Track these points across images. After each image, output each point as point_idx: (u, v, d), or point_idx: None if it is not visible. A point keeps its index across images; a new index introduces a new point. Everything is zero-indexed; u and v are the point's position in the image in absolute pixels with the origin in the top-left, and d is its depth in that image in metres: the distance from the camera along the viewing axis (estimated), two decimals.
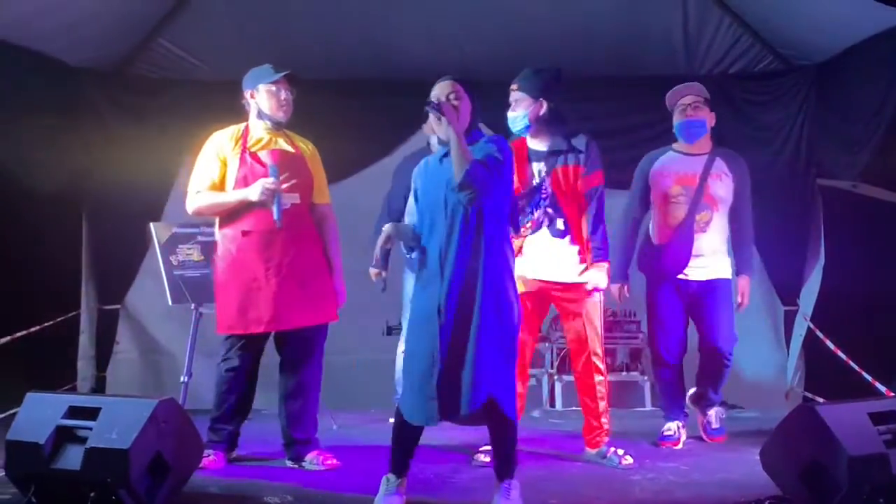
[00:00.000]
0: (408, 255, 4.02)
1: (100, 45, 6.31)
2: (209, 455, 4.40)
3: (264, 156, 4.44)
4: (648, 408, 6.33)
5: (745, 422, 5.74)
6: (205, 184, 4.46)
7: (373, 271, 5.39)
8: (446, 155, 3.89)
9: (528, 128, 4.72)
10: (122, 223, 6.48)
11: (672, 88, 5.19)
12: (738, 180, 5.05)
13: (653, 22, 6.46)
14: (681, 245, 4.98)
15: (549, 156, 4.72)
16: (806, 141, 6.62)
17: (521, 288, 4.21)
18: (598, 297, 4.73)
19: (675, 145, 5.15)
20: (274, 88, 4.46)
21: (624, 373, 6.37)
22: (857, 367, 5.82)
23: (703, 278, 5.00)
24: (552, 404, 6.43)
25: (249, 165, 4.42)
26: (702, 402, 5.20)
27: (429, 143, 5.32)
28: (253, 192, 4.33)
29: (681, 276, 5.00)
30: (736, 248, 5.14)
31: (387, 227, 3.92)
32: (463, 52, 6.66)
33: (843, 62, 6.19)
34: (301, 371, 4.53)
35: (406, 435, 3.90)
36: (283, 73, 4.47)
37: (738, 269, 5.11)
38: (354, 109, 6.75)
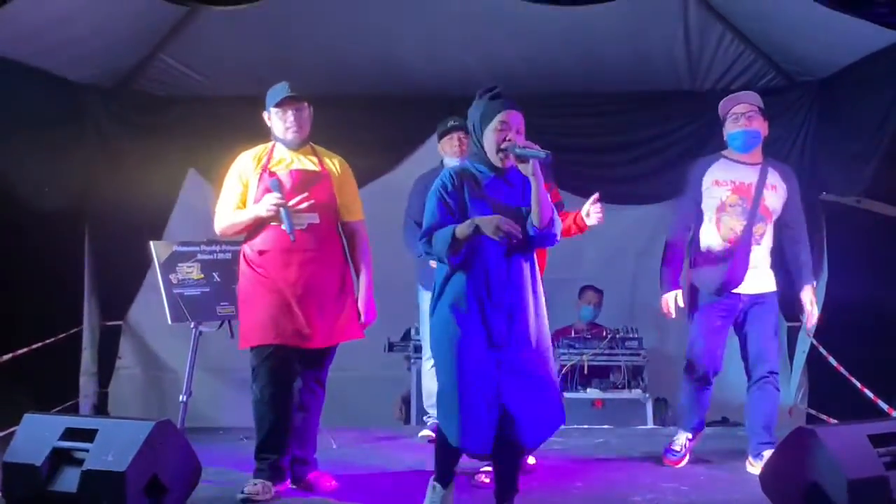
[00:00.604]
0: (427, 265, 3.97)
1: (102, 62, 6.33)
2: (255, 485, 4.28)
3: (284, 175, 4.42)
4: (650, 426, 6.30)
5: (748, 439, 5.69)
6: (229, 205, 4.46)
7: None
8: (498, 177, 3.86)
9: None
10: (125, 239, 6.48)
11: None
12: (791, 190, 4.96)
13: (655, 37, 6.45)
14: (740, 259, 4.85)
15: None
16: (809, 156, 6.60)
17: None
18: None
19: (726, 153, 5.02)
20: (280, 111, 4.43)
21: (626, 391, 6.33)
22: (859, 385, 5.78)
23: (753, 292, 4.90)
24: None
25: (275, 183, 4.40)
26: (756, 448, 4.88)
27: (442, 163, 5.31)
28: (260, 208, 4.34)
29: (735, 290, 4.89)
30: (794, 258, 5.01)
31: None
32: (467, 69, 6.66)
33: (845, 78, 6.18)
34: (306, 388, 4.49)
35: (451, 456, 3.88)
36: (283, 97, 4.42)
37: (803, 281, 4.97)
38: (358, 125, 6.76)
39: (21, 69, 5.74)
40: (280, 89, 4.45)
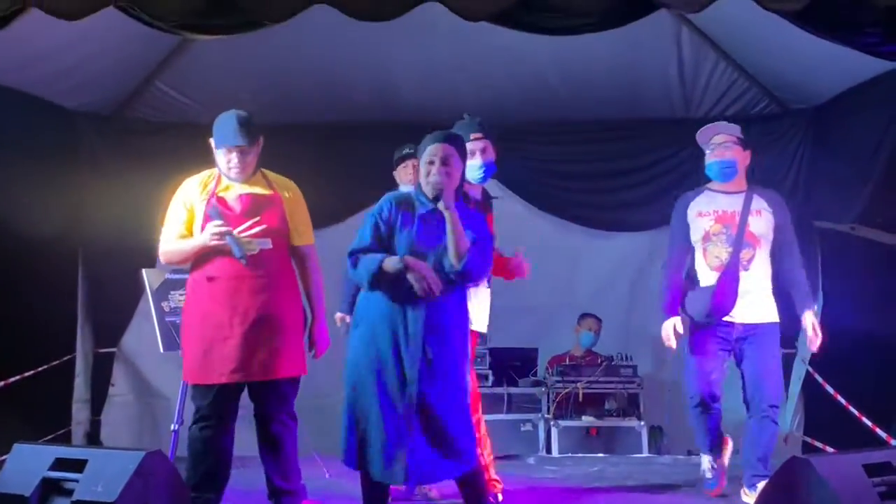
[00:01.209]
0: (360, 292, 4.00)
1: (97, 89, 6.33)
2: None
3: (233, 199, 4.33)
4: (645, 454, 6.26)
5: (743, 469, 5.66)
6: (173, 232, 4.37)
7: (340, 316, 5.28)
8: (433, 212, 3.91)
9: (488, 178, 4.67)
10: (119, 266, 6.44)
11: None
12: (779, 215, 4.98)
13: (648, 65, 6.47)
14: (727, 285, 4.86)
15: (486, 203, 4.71)
16: (803, 183, 6.60)
17: None
18: None
19: (709, 185, 5.08)
20: (223, 152, 4.34)
21: (621, 418, 6.30)
22: (856, 413, 5.76)
23: (750, 321, 4.90)
24: (548, 450, 6.37)
25: (215, 210, 4.29)
26: (751, 478, 4.91)
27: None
28: (204, 237, 4.23)
29: (727, 319, 4.90)
30: (791, 284, 5.01)
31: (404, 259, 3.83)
32: (460, 96, 6.66)
33: (839, 105, 6.19)
34: (273, 424, 4.38)
35: (377, 494, 3.92)
36: (226, 145, 4.31)
37: (802, 306, 4.97)
38: (351, 153, 6.78)
39: (15, 96, 5.73)
40: (226, 126, 4.32)
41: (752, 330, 4.90)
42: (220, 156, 4.34)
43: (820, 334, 4.97)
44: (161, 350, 5.50)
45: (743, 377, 4.97)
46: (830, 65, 5.65)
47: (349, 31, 5.73)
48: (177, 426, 5.32)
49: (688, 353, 5.01)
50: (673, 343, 4.97)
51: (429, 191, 3.94)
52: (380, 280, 3.82)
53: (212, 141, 4.38)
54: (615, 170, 7.02)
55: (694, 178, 6.02)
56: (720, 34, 6.22)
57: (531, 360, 6.77)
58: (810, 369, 6.32)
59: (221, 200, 4.33)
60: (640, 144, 6.95)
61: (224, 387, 4.25)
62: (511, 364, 6.59)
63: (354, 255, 3.91)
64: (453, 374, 3.87)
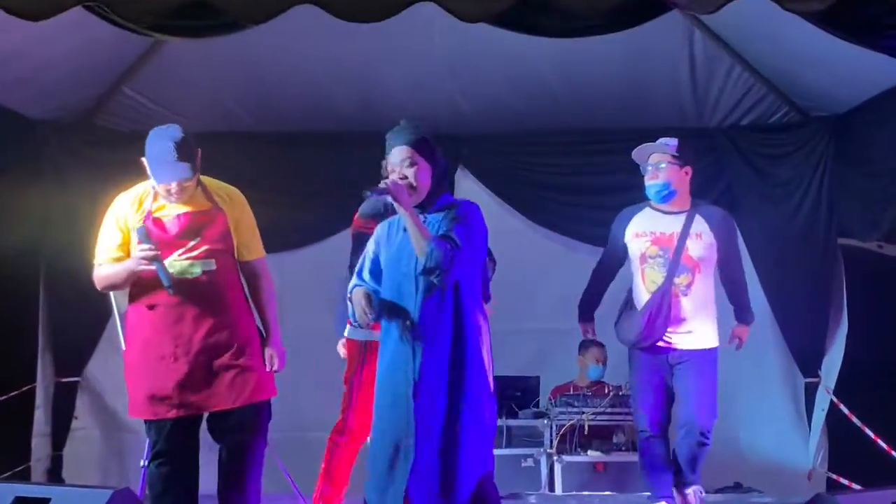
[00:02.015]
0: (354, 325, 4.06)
1: (61, 96, 6.32)
2: None
3: (170, 219, 4.25)
4: None
5: None
6: (105, 256, 4.29)
7: (342, 348, 5.29)
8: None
9: None
10: (84, 288, 6.31)
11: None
12: (721, 237, 5.07)
13: (656, 70, 6.50)
14: (659, 310, 4.98)
15: None
16: (826, 198, 6.61)
17: None
18: None
19: (651, 202, 5.17)
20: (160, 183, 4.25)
21: (630, 453, 6.28)
22: (885, 446, 5.75)
23: (685, 347, 5.01)
24: (551, 488, 6.33)
25: (143, 232, 4.20)
26: (677, 479, 5.10)
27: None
28: (132, 264, 4.17)
29: (661, 344, 5.01)
30: (733, 301, 5.24)
31: (361, 293, 3.89)
32: (456, 105, 6.69)
33: (864, 113, 6.21)
34: (236, 459, 4.31)
35: None
36: (167, 180, 4.20)
37: (739, 320, 5.24)
38: (336, 164, 6.76)
39: None
40: (161, 156, 4.20)
41: (687, 356, 5.02)
42: (157, 183, 4.24)
43: (744, 340, 5.25)
44: None
45: (677, 400, 5.09)
46: (855, 70, 5.66)
47: (334, 34, 5.75)
48: (146, 462, 5.26)
49: (632, 381, 5.22)
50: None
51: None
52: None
53: (144, 161, 4.27)
54: (623, 183, 6.92)
55: (707, 192, 6.06)
56: (735, 37, 6.24)
57: (532, 390, 6.73)
58: (835, 399, 6.32)
59: (157, 222, 4.24)
60: None
61: (178, 420, 4.19)
62: (510, 394, 6.55)
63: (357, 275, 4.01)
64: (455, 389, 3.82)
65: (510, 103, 6.69)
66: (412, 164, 3.90)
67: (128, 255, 4.24)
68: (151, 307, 4.22)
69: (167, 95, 6.62)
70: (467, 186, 6.91)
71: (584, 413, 6.31)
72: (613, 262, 5.29)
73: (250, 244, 4.45)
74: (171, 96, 6.62)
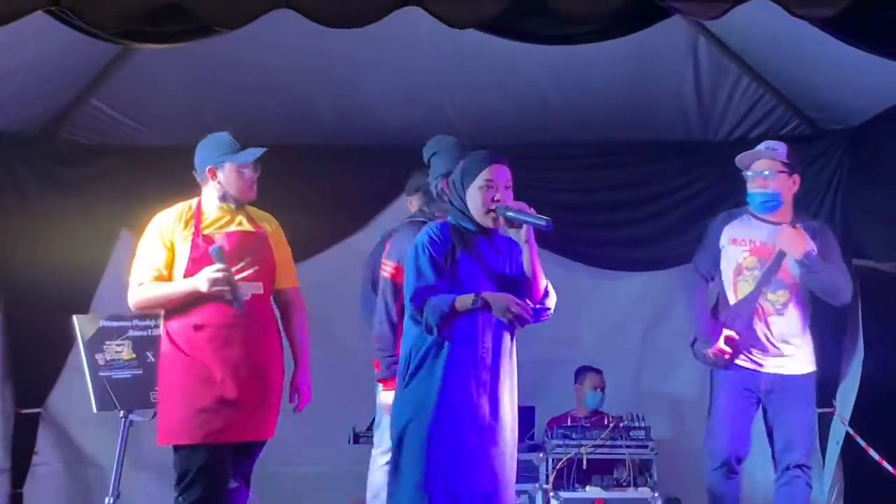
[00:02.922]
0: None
1: (23, 108, 6.30)
2: None
3: (220, 238, 4.41)
4: None
5: None
6: (149, 274, 4.39)
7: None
8: (481, 235, 3.99)
9: None
10: (45, 313, 6.39)
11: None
12: (822, 246, 5.06)
13: (660, 80, 6.52)
14: (740, 324, 4.96)
15: None
16: (839, 216, 6.63)
17: None
18: None
19: (750, 209, 5.17)
20: (241, 167, 4.46)
21: (631, 488, 6.28)
22: None
23: (777, 371, 4.97)
24: None
25: (203, 250, 4.36)
26: None
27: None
28: (200, 283, 4.27)
29: (750, 365, 4.94)
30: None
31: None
32: (449, 118, 6.71)
33: (880, 126, 6.22)
34: (241, 489, 4.44)
35: None
36: (258, 154, 4.47)
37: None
38: (318, 180, 6.78)
39: None
40: (227, 141, 4.49)
41: (782, 382, 4.94)
42: (236, 176, 4.45)
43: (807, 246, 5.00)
44: (94, 410, 5.47)
45: (771, 433, 5.02)
46: (870, 79, 5.70)
47: (315, 42, 5.78)
48: (112, 500, 5.29)
49: (713, 407, 5.07)
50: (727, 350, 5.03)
51: (492, 217, 3.99)
52: (450, 323, 3.87)
53: (207, 169, 4.47)
54: (623, 200, 7.04)
55: (715, 209, 6.06)
56: (742, 45, 6.25)
57: (528, 421, 6.72)
58: (851, 431, 6.32)
59: (208, 239, 4.37)
60: (651, 171, 6.99)
61: (217, 447, 4.27)
62: None
63: (419, 297, 3.91)
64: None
65: (503, 115, 6.71)
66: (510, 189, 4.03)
67: (171, 274, 4.37)
68: (198, 328, 4.31)
69: (136, 107, 6.64)
70: None
71: (582, 446, 6.31)
72: (709, 270, 5.20)
73: (288, 270, 4.65)
74: (141, 108, 6.64)
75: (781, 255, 4.95)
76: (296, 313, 4.63)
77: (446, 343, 3.89)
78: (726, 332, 5.02)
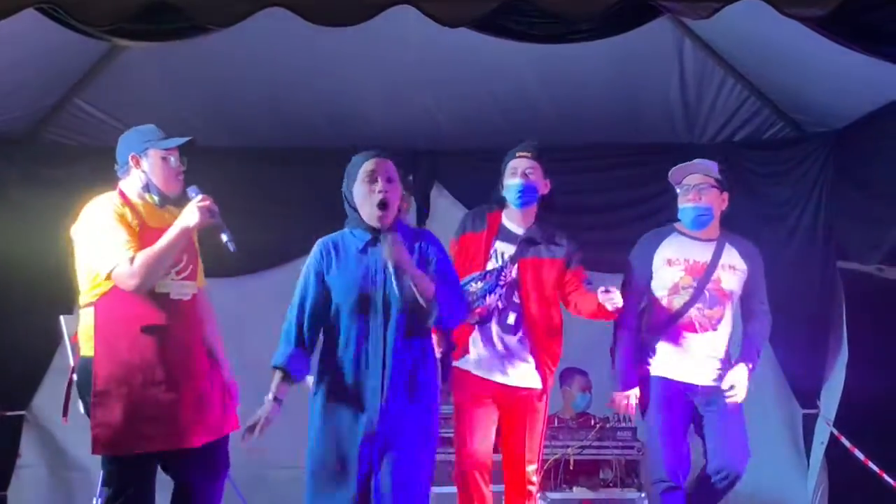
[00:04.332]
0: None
1: (7, 109, 6.28)
2: None
3: (163, 232, 4.21)
4: None
5: None
6: (127, 247, 4.10)
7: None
8: (372, 243, 4.04)
9: (532, 201, 4.93)
10: (29, 315, 6.39)
11: (678, 164, 5.20)
12: (753, 270, 5.10)
13: (645, 82, 6.54)
14: (664, 337, 5.04)
15: (524, 242, 4.80)
16: (823, 218, 6.66)
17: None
18: (542, 405, 4.96)
19: (678, 225, 5.17)
20: (169, 156, 4.31)
21: (618, 489, 6.28)
22: (891, 482, 5.78)
23: (712, 383, 5.00)
24: None
25: (148, 236, 4.18)
26: None
27: None
28: (189, 219, 4.09)
29: (685, 380, 4.98)
30: (748, 336, 5.15)
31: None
32: (434, 119, 6.71)
33: (864, 128, 6.25)
34: (205, 493, 4.34)
35: None
36: (182, 140, 4.32)
37: (741, 357, 5.07)
38: (306, 182, 6.76)
39: None
40: (153, 131, 4.37)
41: (713, 392, 5.00)
42: (161, 165, 4.31)
43: (742, 392, 5.01)
44: (81, 410, 5.42)
45: (704, 445, 5.07)
46: (854, 82, 5.73)
47: (304, 44, 5.79)
48: (100, 500, 5.23)
49: (649, 426, 5.12)
50: (633, 412, 5.17)
51: (369, 213, 4.04)
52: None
53: (130, 158, 4.36)
54: (608, 202, 7.05)
55: None
56: (728, 47, 6.28)
57: None
58: (835, 431, 6.34)
59: (158, 233, 4.18)
60: (637, 173, 6.98)
61: (149, 456, 4.15)
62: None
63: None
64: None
65: (490, 117, 6.71)
66: (393, 181, 4.09)
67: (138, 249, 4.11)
68: (148, 329, 4.13)
69: (122, 108, 6.57)
70: (443, 205, 6.94)
71: (569, 447, 6.31)
72: (643, 294, 5.17)
73: (201, 270, 4.50)
74: (127, 109, 6.56)
75: (711, 272, 4.98)
76: (209, 310, 4.49)
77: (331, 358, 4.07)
78: (634, 394, 5.10)
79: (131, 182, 4.36)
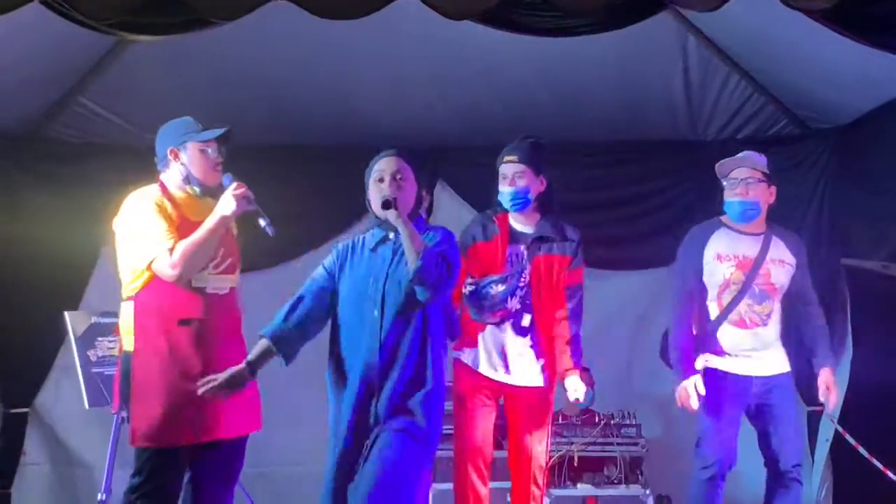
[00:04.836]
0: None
1: (8, 106, 6.28)
2: None
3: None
4: None
5: None
6: (170, 237, 4.15)
7: None
8: (383, 241, 4.04)
9: (526, 205, 4.90)
10: (33, 312, 6.39)
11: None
12: (800, 263, 5.08)
13: (648, 79, 6.52)
14: (719, 334, 5.02)
15: (535, 240, 4.81)
16: (827, 215, 6.66)
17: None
18: (548, 404, 5.01)
19: (725, 219, 5.14)
20: (207, 148, 4.35)
21: (623, 486, 6.28)
22: (895, 478, 5.77)
23: (765, 374, 4.99)
24: None
25: (185, 229, 4.21)
26: None
27: None
28: (226, 207, 4.13)
29: (740, 372, 4.97)
30: (811, 337, 5.14)
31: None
32: (436, 117, 6.70)
33: (869, 125, 6.25)
34: (220, 490, 4.35)
35: None
36: (220, 131, 4.36)
37: (820, 362, 5.08)
38: (304, 180, 6.77)
39: None
40: (190, 123, 4.41)
41: (770, 383, 4.99)
42: (199, 157, 4.34)
43: (835, 395, 5.11)
44: (86, 406, 5.45)
45: (763, 435, 5.03)
46: (859, 78, 5.72)
47: (307, 40, 5.79)
48: (104, 496, 5.24)
49: (704, 416, 5.06)
50: (695, 404, 4.96)
51: (377, 213, 4.07)
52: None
53: (169, 151, 4.38)
54: (611, 199, 7.04)
55: (702, 209, 6.06)
56: (732, 43, 6.27)
57: None
58: (840, 428, 6.32)
59: (196, 226, 4.20)
60: (639, 170, 6.99)
61: (182, 450, 4.18)
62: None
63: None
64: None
65: (493, 114, 6.71)
66: (406, 178, 4.08)
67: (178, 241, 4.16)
68: (184, 322, 4.18)
69: (126, 105, 6.60)
70: (447, 202, 6.94)
71: (573, 444, 6.31)
72: (696, 292, 5.11)
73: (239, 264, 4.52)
74: (130, 106, 6.60)
75: (758, 266, 4.97)
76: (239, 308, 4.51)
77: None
78: (697, 382, 4.98)
79: (171, 175, 4.40)
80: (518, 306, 4.85)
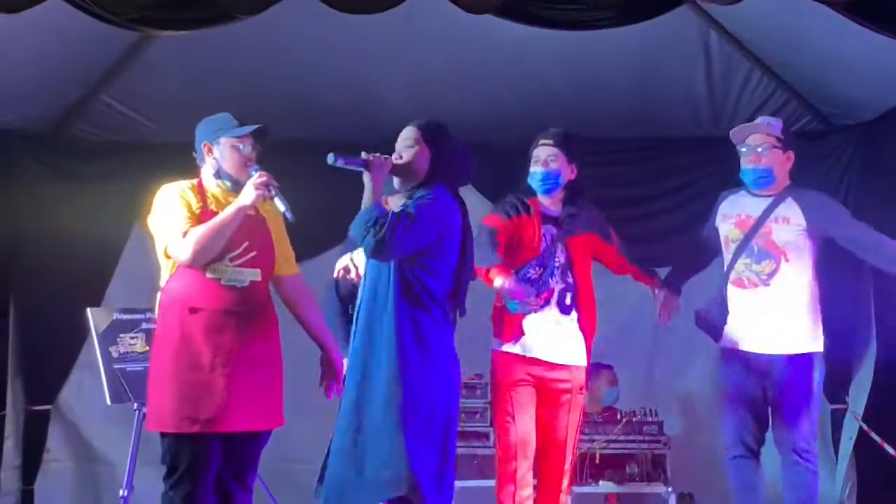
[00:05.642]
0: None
1: (31, 104, 6.32)
2: None
3: None
4: None
5: None
6: (188, 223, 4.21)
7: None
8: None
9: (555, 188, 4.96)
10: (57, 307, 6.42)
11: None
12: (817, 221, 4.96)
13: (671, 74, 6.51)
14: (718, 302, 5.03)
15: (567, 219, 4.93)
16: (851, 211, 6.58)
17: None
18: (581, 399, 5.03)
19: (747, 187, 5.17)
20: (240, 144, 4.38)
21: (645, 483, 6.27)
22: None
23: (774, 352, 4.91)
24: None
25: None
26: None
27: None
28: (245, 197, 4.19)
29: (749, 349, 4.93)
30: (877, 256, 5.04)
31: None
32: (456, 112, 6.68)
33: (891, 121, 6.23)
34: (237, 487, 4.35)
35: None
36: (253, 128, 4.40)
37: None
38: (326, 174, 6.75)
39: None
40: (226, 119, 4.45)
41: (778, 362, 4.91)
42: (231, 152, 4.38)
43: None
44: (108, 402, 5.47)
45: (770, 417, 5.00)
46: (882, 74, 5.70)
47: (326, 34, 5.80)
48: (126, 492, 5.27)
49: (719, 395, 5.11)
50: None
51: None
52: None
53: (203, 146, 4.42)
54: (632, 196, 7.02)
55: None
56: (755, 39, 6.24)
57: None
58: (864, 426, 6.29)
59: (212, 214, 4.25)
60: (661, 167, 6.97)
61: (202, 437, 4.18)
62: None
63: None
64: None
65: (511, 110, 6.71)
66: (412, 146, 4.18)
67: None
68: (194, 311, 4.21)
69: (147, 103, 6.63)
70: (465, 197, 6.90)
71: (595, 441, 6.30)
72: (708, 246, 5.25)
73: (290, 257, 4.58)
74: (152, 104, 6.63)
75: (759, 224, 4.93)
76: (309, 298, 4.58)
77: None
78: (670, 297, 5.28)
79: (206, 169, 4.46)
80: (562, 285, 4.91)
